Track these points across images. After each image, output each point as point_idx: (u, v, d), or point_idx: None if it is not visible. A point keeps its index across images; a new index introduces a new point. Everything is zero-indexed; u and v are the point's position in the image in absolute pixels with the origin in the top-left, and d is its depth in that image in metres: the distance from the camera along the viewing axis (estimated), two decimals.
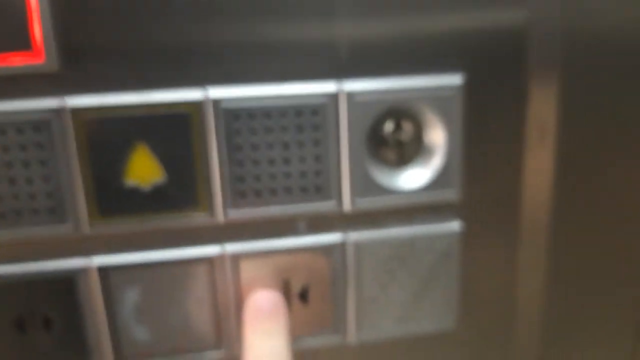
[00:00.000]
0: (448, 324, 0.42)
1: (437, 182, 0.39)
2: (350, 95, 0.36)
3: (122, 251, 0.37)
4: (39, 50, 0.33)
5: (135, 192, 0.36)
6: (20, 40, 0.33)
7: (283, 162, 0.36)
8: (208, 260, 0.38)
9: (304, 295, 0.39)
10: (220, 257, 0.38)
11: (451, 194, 0.39)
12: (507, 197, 0.41)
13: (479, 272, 0.42)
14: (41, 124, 0.34)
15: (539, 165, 0.40)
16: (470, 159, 0.39)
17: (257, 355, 0.35)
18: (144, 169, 0.35)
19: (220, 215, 0.37)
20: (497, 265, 0.42)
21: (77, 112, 0.34)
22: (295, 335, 0.40)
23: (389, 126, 0.38)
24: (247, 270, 0.38)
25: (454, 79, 0.37)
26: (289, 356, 0.35)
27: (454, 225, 0.40)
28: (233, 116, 0.35)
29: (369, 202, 0.38)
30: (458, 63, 0.37)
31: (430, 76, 0.37)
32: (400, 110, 0.38)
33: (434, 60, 0.37)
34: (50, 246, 0.37)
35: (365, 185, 0.38)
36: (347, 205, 0.38)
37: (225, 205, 0.37)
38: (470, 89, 0.38)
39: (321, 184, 0.37)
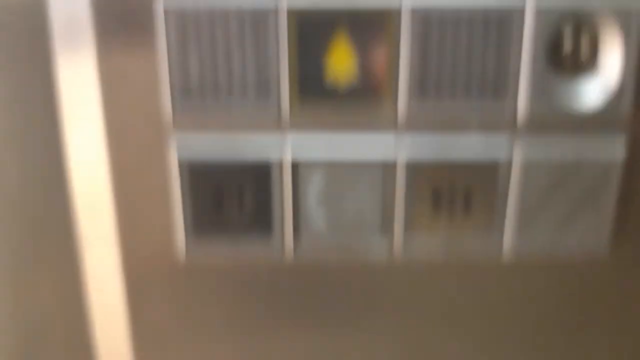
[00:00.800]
0: (601, 247, 0.44)
1: (611, 100, 0.40)
2: (537, 6, 0.39)
3: (313, 138, 0.42)
4: None
5: (332, 86, 0.41)
6: None
7: (465, 65, 0.40)
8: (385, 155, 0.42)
9: (467, 199, 0.43)
10: (397, 149, 0.42)
11: (622, 113, 0.40)
12: None
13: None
14: (260, 16, 0.39)
15: None
16: None
17: None
18: (341, 64, 0.40)
19: (402, 110, 0.41)
20: None
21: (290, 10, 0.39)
22: (454, 239, 0.44)
23: (568, 38, 0.40)
24: (418, 165, 0.42)
25: None
26: None
27: (620, 146, 0.42)
28: (425, 22, 0.39)
29: (542, 112, 0.41)
30: None
31: None
32: (583, 23, 0.40)
33: None
34: (253, 124, 0.42)
35: (540, 95, 0.40)
36: (520, 112, 0.41)
37: (407, 101, 0.41)
38: None
39: (498, 89, 0.40)
